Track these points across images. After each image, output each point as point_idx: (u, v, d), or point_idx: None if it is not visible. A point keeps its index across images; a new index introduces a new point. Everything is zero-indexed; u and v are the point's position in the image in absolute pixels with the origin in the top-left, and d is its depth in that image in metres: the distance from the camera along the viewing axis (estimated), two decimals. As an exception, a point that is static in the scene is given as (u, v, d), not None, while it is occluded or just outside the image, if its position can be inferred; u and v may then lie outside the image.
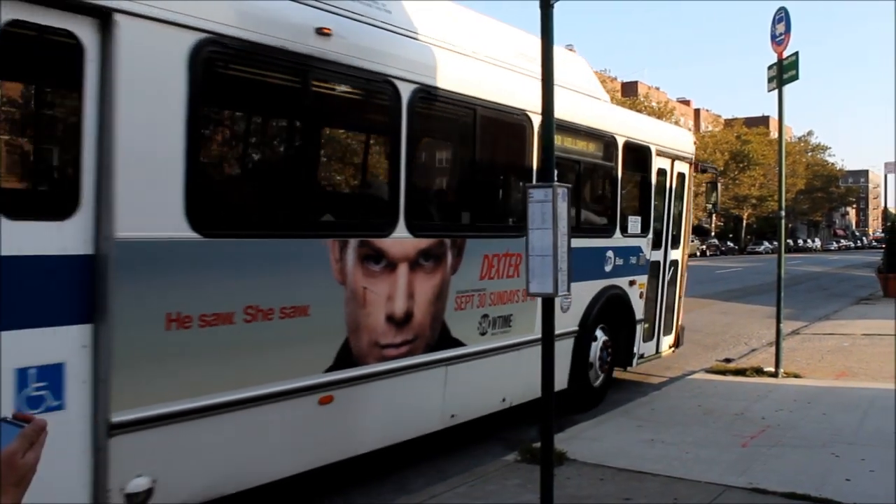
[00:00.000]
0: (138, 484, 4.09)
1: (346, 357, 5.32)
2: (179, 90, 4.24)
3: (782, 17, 10.12)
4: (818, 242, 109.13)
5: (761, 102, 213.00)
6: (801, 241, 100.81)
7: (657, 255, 9.82)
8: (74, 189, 3.89)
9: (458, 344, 6.38)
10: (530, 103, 6.69)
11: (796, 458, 6.28)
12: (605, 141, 8.54)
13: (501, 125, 7.06)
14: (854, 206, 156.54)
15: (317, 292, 5.11)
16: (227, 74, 4.84)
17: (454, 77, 6.21)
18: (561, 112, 6.58)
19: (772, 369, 9.89)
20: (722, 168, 72.72)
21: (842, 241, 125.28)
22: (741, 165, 75.76)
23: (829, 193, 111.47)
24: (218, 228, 4.56)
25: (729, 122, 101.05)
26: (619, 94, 72.97)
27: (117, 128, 3.93)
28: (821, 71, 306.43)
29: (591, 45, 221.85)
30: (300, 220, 5.17)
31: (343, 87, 5.67)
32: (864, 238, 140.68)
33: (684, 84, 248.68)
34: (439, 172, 7.54)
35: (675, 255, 10.41)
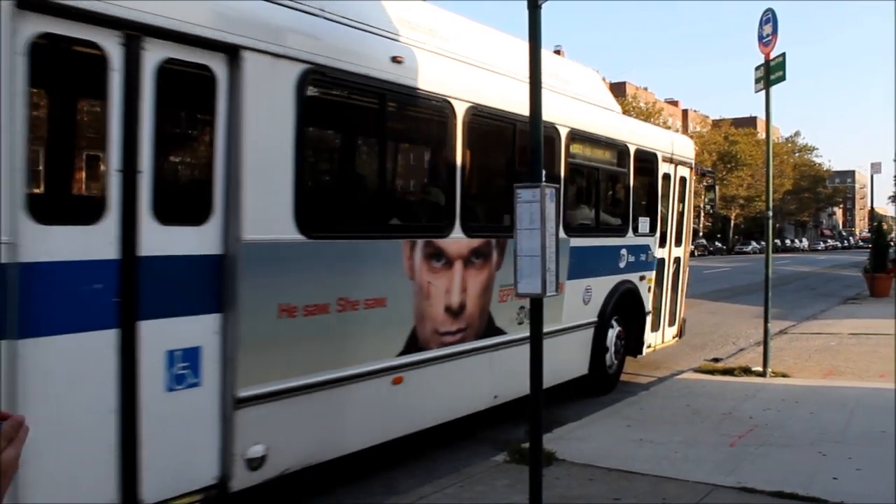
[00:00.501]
0: (256, 451, 4.83)
1: (413, 343, 6.14)
2: (289, 113, 5.01)
3: (769, 18, 10.16)
4: (806, 242, 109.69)
5: (749, 103, 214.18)
6: (788, 242, 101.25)
7: (662, 253, 10.64)
8: (209, 198, 4.65)
9: (501, 332, 7.17)
10: (559, 117, 7.90)
11: (784, 457, 6.31)
12: (620, 149, 9.40)
13: (508, 130, 7.51)
14: (841, 206, 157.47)
15: (392, 286, 5.93)
16: (324, 98, 5.63)
17: (499, 96, 7.03)
18: (583, 124, 8.41)
19: (760, 369, 9.93)
20: (710, 168, 73.02)
21: (829, 241, 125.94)
22: (729, 166, 76.08)
23: (816, 194, 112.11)
24: (318, 231, 5.27)
25: (717, 123, 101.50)
26: (607, 95, 73.14)
27: (243, 146, 4.69)
28: (808, 72, 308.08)
29: (579, 46, 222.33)
30: (380, 224, 6.05)
31: (411, 107, 6.50)
32: (850, 238, 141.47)
33: (672, 85, 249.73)
34: (486, 180, 8.22)
35: (678, 252, 11.25)
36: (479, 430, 7.53)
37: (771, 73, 10.03)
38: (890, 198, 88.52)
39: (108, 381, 4.13)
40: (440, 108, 6.49)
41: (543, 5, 4.70)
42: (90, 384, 4.07)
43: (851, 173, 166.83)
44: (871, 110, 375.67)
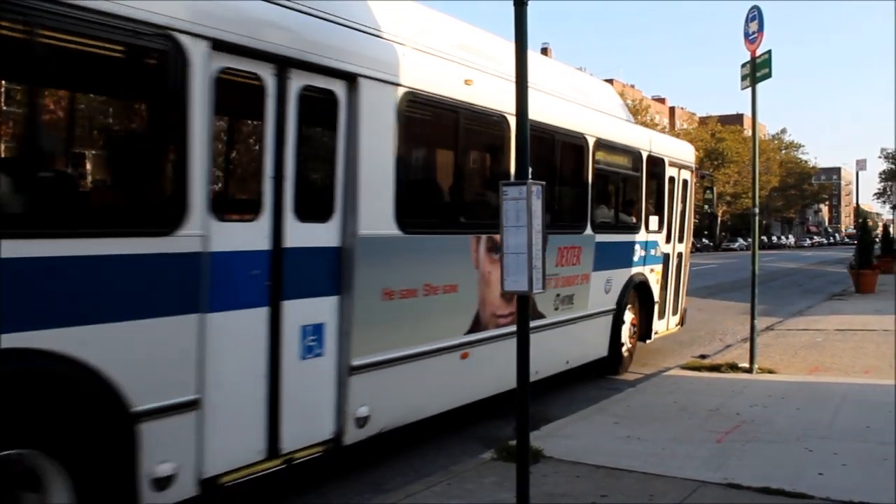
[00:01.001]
0: (362, 411, 5.84)
1: (476, 324, 7.23)
2: (391, 129, 6.10)
3: (755, 15, 10.19)
4: (792, 239, 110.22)
5: (735, 100, 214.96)
6: (775, 238, 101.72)
7: (667, 248, 11.71)
8: (332, 200, 5.65)
9: (542, 316, 8.23)
10: (587, 128, 9.20)
11: (770, 452, 6.33)
12: (635, 155, 10.54)
13: (568, 146, 9.01)
14: (827, 202, 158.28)
15: (462, 274, 7.02)
16: (416, 116, 6.64)
17: (542, 111, 8.01)
18: (606, 134, 9.65)
19: (746, 365, 9.97)
20: (697, 166, 73.30)
21: (815, 237, 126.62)
22: (716, 163, 76.34)
23: (802, 190, 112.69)
24: (412, 228, 6.31)
25: (704, 120, 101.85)
26: (594, 93, 73.26)
27: (359, 156, 5.73)
28: (795, 70, 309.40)
29: (567, 44, 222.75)
30: (455, 222, 7.19)
31: (478, 122, 7.49)
32: (836, 234, 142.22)
33: (660, 82, 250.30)
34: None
35: (680, 248, 12.34)
36: (468, 427, 7.54)
37: (757, 71, 10.07)
38: (875, 195, 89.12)
39: (261, 350, 5.08)
40: (498, 123, 7.55)
41: (530, 3, 4.70)
42: (249, 352, 5.01)
43: (837, 170, 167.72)
44: (856, 108, 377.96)
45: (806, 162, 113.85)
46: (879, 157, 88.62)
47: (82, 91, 5.32)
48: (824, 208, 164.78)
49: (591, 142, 9.20)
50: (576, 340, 9.19)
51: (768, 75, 9.98)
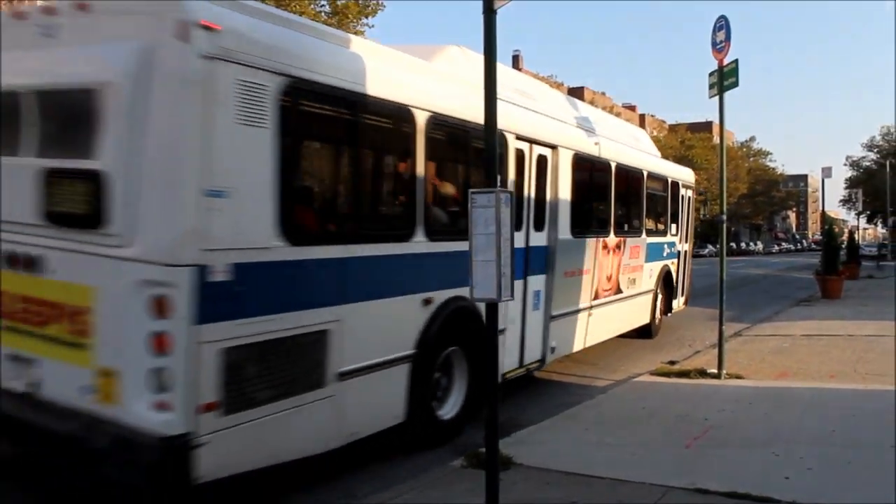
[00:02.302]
0: (553, 344, 9.49)
1: (595, 294, 10.94)
2: (569, 173, 9.86)
3: (722, 25, 10.30)
4: (760, 245, 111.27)
5: (704, 108, 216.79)
6: (743, 244, 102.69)
7: (681, 248, 15.88)
8: (544, 218, 9.30)
9: (620, 291, 12.13)
10: (643, 165, 13.22)
11: (738, 457, 6.40)
12: (664, 181, 14.58)
13: (634, 178, 12.83)
14: (794, 209, 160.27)
15: (591, 262, 10.71)
16: (579, 165, 10.23)
17: (626, 158, 12.34)
18: (652, 168, 13.69)
19: (715, 371, 10.05)
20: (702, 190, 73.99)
21: (783, 243, 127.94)
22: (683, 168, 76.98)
23: (770, 197, 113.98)
24: (577, 234, 10.12)
25: (673, 128, 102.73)
26: (565, 100, 73.59)
27: (559, 193, 9.52)
28: (764, 78, 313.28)
29: (537, 51, 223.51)
30: (590, 230, 10.83)
31: (600, 167, 11.26)
32: (804, 240, 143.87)
33: (630, 90, 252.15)
34: (626, 203, 12.65)
35: (686, 247, 16.48)
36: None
37: (724, 79, 10.17)
38: (841, 201, 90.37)
39: (519, 304, 8.64)
40: (607, 164, 11.40)
41: (499, 10, 4.72)
42: (518, 305, 8.59)
43: (804, 177, 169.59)
44: (822, 116, 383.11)
45: (774, 169, 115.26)
46: (845, 165, 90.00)
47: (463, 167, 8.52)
48: (792, 215, 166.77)
49: (645, 174, 13.17)
50: (634, 310, 13.14)
51: (735, 84, 10.09)
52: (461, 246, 4.94)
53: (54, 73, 5.27)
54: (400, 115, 6.63)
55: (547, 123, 9.46)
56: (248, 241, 4.97)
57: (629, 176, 12.41)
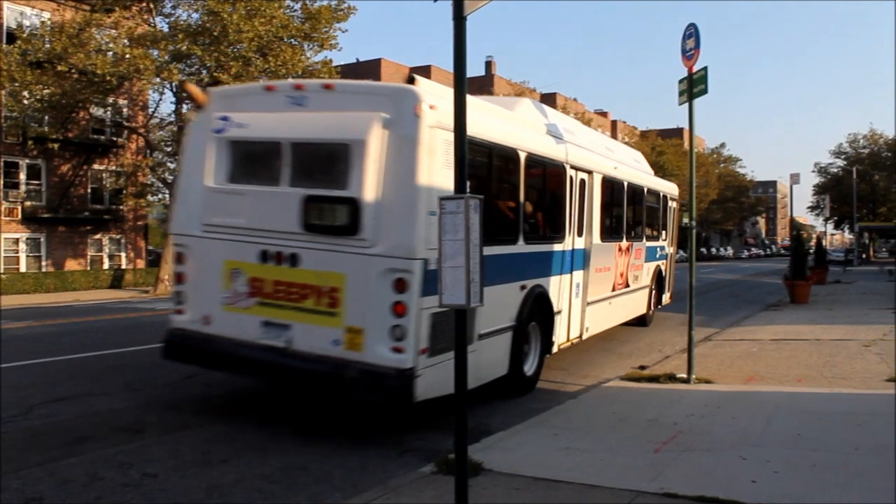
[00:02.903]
0: (587, 325, 12.35)
1: (613, 287, 13.72)
2: (599, 194, 12.63)
3: (692, 33, 10.39)
4: (730, 251, 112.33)
5: (676, 115, 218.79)
6: (714, 250, 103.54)
7: (668, 251, 18.99)
8: (583, 227, 12.08)
9: (629, 285, 14.93)
10: (644, 183, 16.10)
11: (706, 461, 6.44)
12: (657, 195, 17.64)
13: (638, 193, 15.64)
14: (764, 215, 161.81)
15: (612, 261, 13.48)
16: (603, 187, 12.83)
17: (631, 177, 15.02)
18: (651, 185, 16.88)
19: (684, 375, 10.12)
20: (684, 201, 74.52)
21: (752, 249, 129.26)
22: (656, 176, 77.52)
23: (740, 203, 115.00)
24: (605, 239, 12.92)
25: (644, 134, 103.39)
26: (538, 106, 73.85)
27: (592, 208, 12.39)
28: (734, 86, 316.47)
29: (510, 57, 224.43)
30: (612, 236, 13.56)
31: (617, 186, 14.06)
32: (773, 246, 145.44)
33: (602, 96, 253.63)
34: (626, 214, 14.80)
35: (672, 250, 19.63)
36: (407, 441, 7.52)
37: (694, 87, 10.26)
38: (809, 207, 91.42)
39: (567, 293, 11.38)
40: (621, 184, 14.24)
41: (475, 15, 4.73)
42: (568, 293, 11.32)
43: (773, 183, 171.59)
44: (791, 123, 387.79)
45: (744, 175, 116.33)
46: (813, 171, 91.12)
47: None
48: (761, 220, 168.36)
49: (645, 190, 16.18)
50: (637, 301, 16.03)
51: (704, 91, 10.18)
52: (541, 248, 10.36)
53: (306, 130, 7.80)
54: (513, 155, 9.53)
55: (586, 154, 12.38)
56: (528, 239, 9.83)
57: (635, 192, 15.29)
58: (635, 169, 16.00)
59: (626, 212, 14.58)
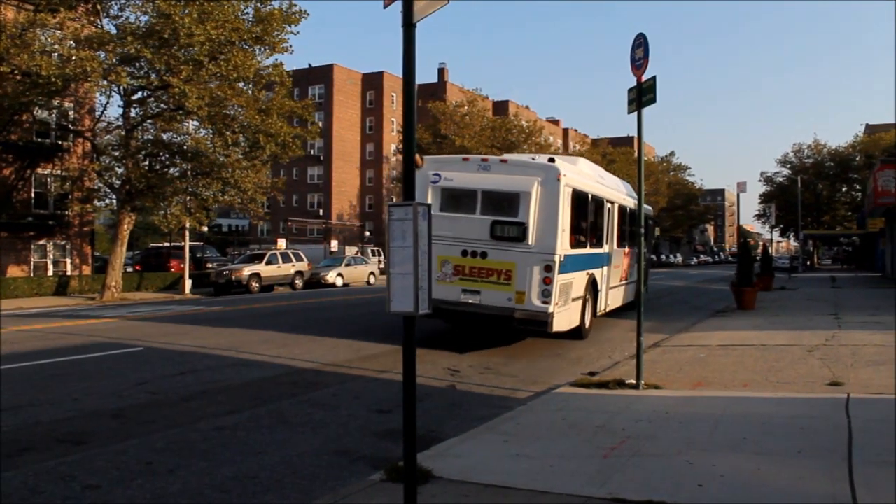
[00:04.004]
0: (608, 304, 19.02)
1: (619, 278, 20.04)
2: (615, 214, 19.61)
3: (641, 42, 10.51)
4: (680, 258, 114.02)
5: (627, 124, 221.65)
6: (664, 257, 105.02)
7: (648, 255, 25.90)
8: (611, 238, 18.81)
9: (627, 278, 20.88)
10: (625, 203, 20.41)
11: (654, 466, 6.49)
12: (644, 214, 19.72)
13: (624, 213, 20.09)
14: (712, 222, 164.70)
15: (619, 261, 19.78)
16: (619, 211, 19.70)
17: (617, 199, 19.47)
18: (631, 205, 21.30)
19: (633, 381, 10.20)
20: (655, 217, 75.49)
21: (702, 255, 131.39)
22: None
23: (689, 211, 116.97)
24: (618, 246, 19.55)
25: (596, 142, 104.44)
26: (490, 113, 74.34)
27: (613, 225, 19.19)
28: (683, 95, 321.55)
29: (463, 65, 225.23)
30: (619, 243, 19.78)
31: (610, 204, 18.79)
32: (721, 253, 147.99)
33: (554, 104, 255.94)
34: (620, 228, 19.71)
35: (650, 255, 28.17)
36: (357, 448, 7.47)
37: (643, 96, 10.37)
38: (755, 215, 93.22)
39: (601, 280, 17.75)
40: (623, 208, 19.99)
41: (427, 23, 4.73)
42: (584, 281, 16.11)
43: (721, 192, 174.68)
44: (739, 133, 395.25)
45: (693, 184, 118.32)
46: (760, 180, 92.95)
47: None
48: (710, 228, 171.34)
49: (627, 209, 20.64)
50: (630, 290, 21.47)
51: (653, 100, 10.30)
52: (594, 251, 16.87)
53: (495, 184, 14.33)
54: (592, 198, 16.38)
55: (611, 191, 19.11)
56: (566, 247, 14.25)
57: (629, 212, 21.00)
58: (627, 195, 21.53)
59: (627, 228, 20.87)
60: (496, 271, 14.08)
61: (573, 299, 14.99)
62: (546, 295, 13.70)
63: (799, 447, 6.96)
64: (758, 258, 35.63)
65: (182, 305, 27.60)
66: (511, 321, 13.95)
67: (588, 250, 16.18)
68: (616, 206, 19.09)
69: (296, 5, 31.49)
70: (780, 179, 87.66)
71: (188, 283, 36.61)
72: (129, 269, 42.87)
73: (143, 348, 14.56)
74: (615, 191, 19.64)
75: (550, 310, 13.59)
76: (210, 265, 44.22)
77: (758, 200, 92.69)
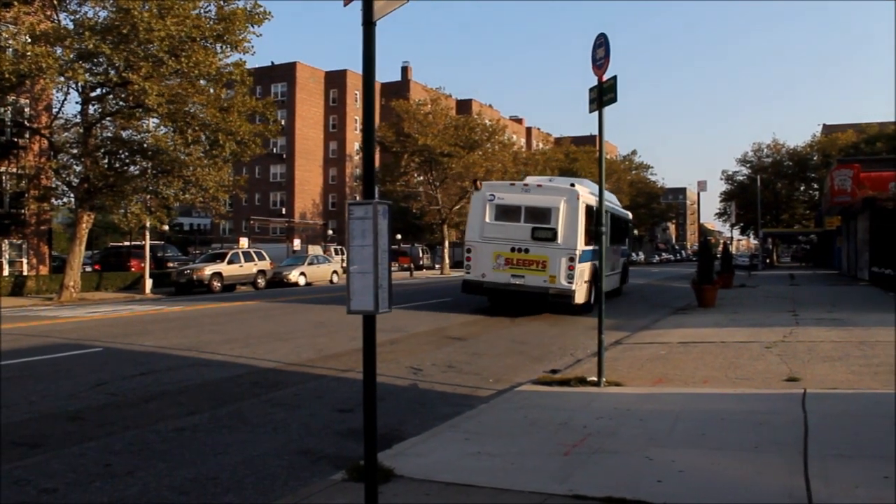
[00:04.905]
0: (606, 287, 22.11)
1: (610, 268, 25.61)
2: (613, 220, 27.23)
3: (602, 42, 10.57)
4: (642, 256, 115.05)
5: (589, 123, 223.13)
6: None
7: (627, 253, 32.98)
8: (607, 237, 19.71)
9: (617, 269, 28.05)
10: (615, 211, 28.78)
11: (614, 463, 6.54)
12: (625, 218, 31.96)
13: (617, 219, 28.54)
14: (674, 221, 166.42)
15: (612, 255, 25.91)
16: (612, 217, 26.93)
17: (614, 208, 28.58)
18: (620, 214, 30.96)
19: (595, 379, 10.28)
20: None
21: (663, 254, 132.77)
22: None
23: (651, 209, 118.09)
24: (612, 244, 26.32)
25: (559, 141, 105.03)
26: (453, 112, 74.39)
27: (610, 228, 25.65)
28: (645, 94, 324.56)
29: (427, 64, 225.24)
30: (612, 242, 25.94)
31: (615, 217, 27.94)
32: (683, 251, 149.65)
33: (518, 103, 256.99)
34: (614, 231, 26.83)
35: (630, 253, 38.24)
36: (319, 448, 7.44)
37: (604, 95, 10.44)
38: (716, 214, 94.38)
39: (591, 271, 21.81)
40: (614, 216, 27.43)
41: (391, 21, 4.72)
42: (591, 269, 21.53)
43: (683, 190, 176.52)
44: (700, 132, 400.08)
45: (654, 182, 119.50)
46: (721, 179, 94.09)
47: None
48: (672, 226, 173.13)
49: (616, 216, 27.95)
50: (618, 279, 28.49)
51: (614, 99, 10.37)
52: (597, 247, 16.36)
53: (534, 202, 20.89)
54: (597, 208, 15.31)
55: (607, 204, 21.62)
56: (581, 244, 20.56)
57: (617, 217, 28.10)
58: (617, 206, 29.87)
59: (616, 230, 27.53)
60: (535, 262, 20.48)
61: (585, 282, 21.06)
62: (570, 278, 20.17)
63: (757, 442, 7.06)
64: (718, 256, 36.12)
65: (142, 305, 27.26)
66: (546, 297, 20.42)
67: (594, 247, 21.09)
68: (609, 214, 24.90)
69: (260, 6, 31.23)
70: (741, 178, 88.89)
71: (149, 283, 36.19)
72: (88, 269, 42.32)
73: (102, 349, 14.36)
74: (609, 202, 26.59)
75: (574, 288, 20.05)
76: (171, 264, 43.79)
77: (719, 199, 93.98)
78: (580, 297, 20.58)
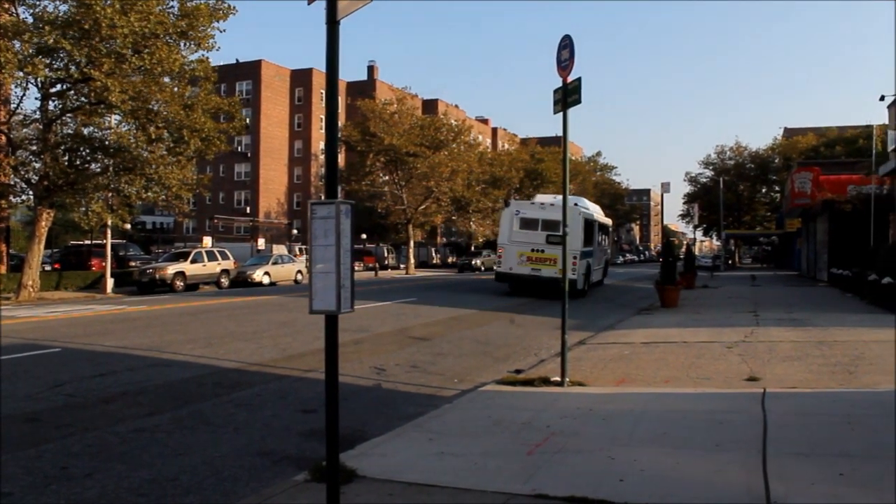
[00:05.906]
0: (593, 279, 34.03)
1: (598, 264, 35.43)
2: (601, 228, 37.53)
3: (567, 44, 10.63)
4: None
5: (554, 124, 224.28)
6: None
7: (608, 255, 42.13)
8: (595, 241, 33.07)
9: (603, 264, 37.64)
10: (602, 221, 36.36)
11: (577, 462, 6.58)
12: (608, 225, 39.77)
13: (602, 226, 36.04)
14: (638, 222, 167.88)
15: (597, 255, 33.87)
16: (599, 225, 34.90)
17: (599, 218, 34.95)
18: (604, 222, 37.99)
19: (558, 379, 10.33)
20: (518, 185, 75.84)
21: (627, 254, 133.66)
22: (535, 183, 79.17)
23: (615, 210, 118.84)
24: (598, 245, 34.47)
25: (525, 142, 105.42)
26: (419, 112, 74.36)
27: (599, 235, 35.70)
28: (610, 96, 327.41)
29: (393, 63, 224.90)
30: (600, 245, 35.28)
31: (601, 225, 36.16)
32: (646, 252, 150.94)
33: (484, 104, 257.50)
34: (602, 237, 36.45)
35: (610, 252, 46.48)
36: (281, 449, 7.39)
37: (568, 96, 10.50)
38: (680, 215, 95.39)
39: (592, 267, 32.87)
40: (601, 224, 35.86)
41: (360, 21, 4.75)
42: (587, 264, 30.56)
43: (647, 192, 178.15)
44: (664, 133, 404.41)
45: (619, 184, 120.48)
46: (684, 181, 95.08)
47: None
48: (636, 227, 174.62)
49: (600, 223, 34.57)
50: (600, 272, 36.40)
51: (578, 101, 10.43)
52: (590, 249, 30.98)
53: (547, 215, 28.99)
54: (590, 218, 30.68)
55: (596, 216, 33.65)
56: (582, 246, 28.53)
57: (602, 225, 34.92)
58: (601, 215, 36.11)
59: (599, 235, 32.88)
60: (549, 259, 27.98)
61: (582, 273, 28.77)
62: (573, 270, 27.04)
63: (717, 440, 7.14)
64: (681, 257, 36.53)
65: (103, 305, 26.88)
66: (557, 283, 21.30)
67: (588, 248, 29.97)
68: (597, 223, 32.93)
69: (224, 1, 30.93)
70: (704, 180, 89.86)
71: (110, 282, 35.67)
72: (48, 268, 41.55)
73: (61, 349, 14.13)
74: (597, 214, 34.76)
75: (576, 277, 27.58)
76: (133, 263, 43.12)
77: (682, 200, 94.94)
78: (580, 284, 28.75)
